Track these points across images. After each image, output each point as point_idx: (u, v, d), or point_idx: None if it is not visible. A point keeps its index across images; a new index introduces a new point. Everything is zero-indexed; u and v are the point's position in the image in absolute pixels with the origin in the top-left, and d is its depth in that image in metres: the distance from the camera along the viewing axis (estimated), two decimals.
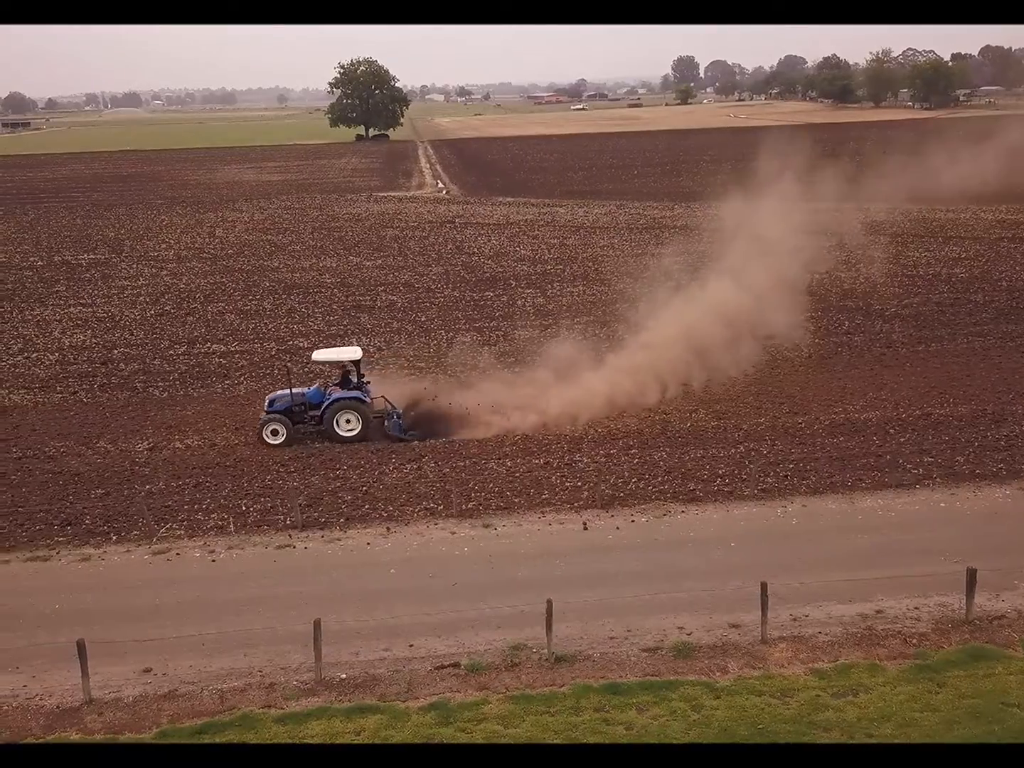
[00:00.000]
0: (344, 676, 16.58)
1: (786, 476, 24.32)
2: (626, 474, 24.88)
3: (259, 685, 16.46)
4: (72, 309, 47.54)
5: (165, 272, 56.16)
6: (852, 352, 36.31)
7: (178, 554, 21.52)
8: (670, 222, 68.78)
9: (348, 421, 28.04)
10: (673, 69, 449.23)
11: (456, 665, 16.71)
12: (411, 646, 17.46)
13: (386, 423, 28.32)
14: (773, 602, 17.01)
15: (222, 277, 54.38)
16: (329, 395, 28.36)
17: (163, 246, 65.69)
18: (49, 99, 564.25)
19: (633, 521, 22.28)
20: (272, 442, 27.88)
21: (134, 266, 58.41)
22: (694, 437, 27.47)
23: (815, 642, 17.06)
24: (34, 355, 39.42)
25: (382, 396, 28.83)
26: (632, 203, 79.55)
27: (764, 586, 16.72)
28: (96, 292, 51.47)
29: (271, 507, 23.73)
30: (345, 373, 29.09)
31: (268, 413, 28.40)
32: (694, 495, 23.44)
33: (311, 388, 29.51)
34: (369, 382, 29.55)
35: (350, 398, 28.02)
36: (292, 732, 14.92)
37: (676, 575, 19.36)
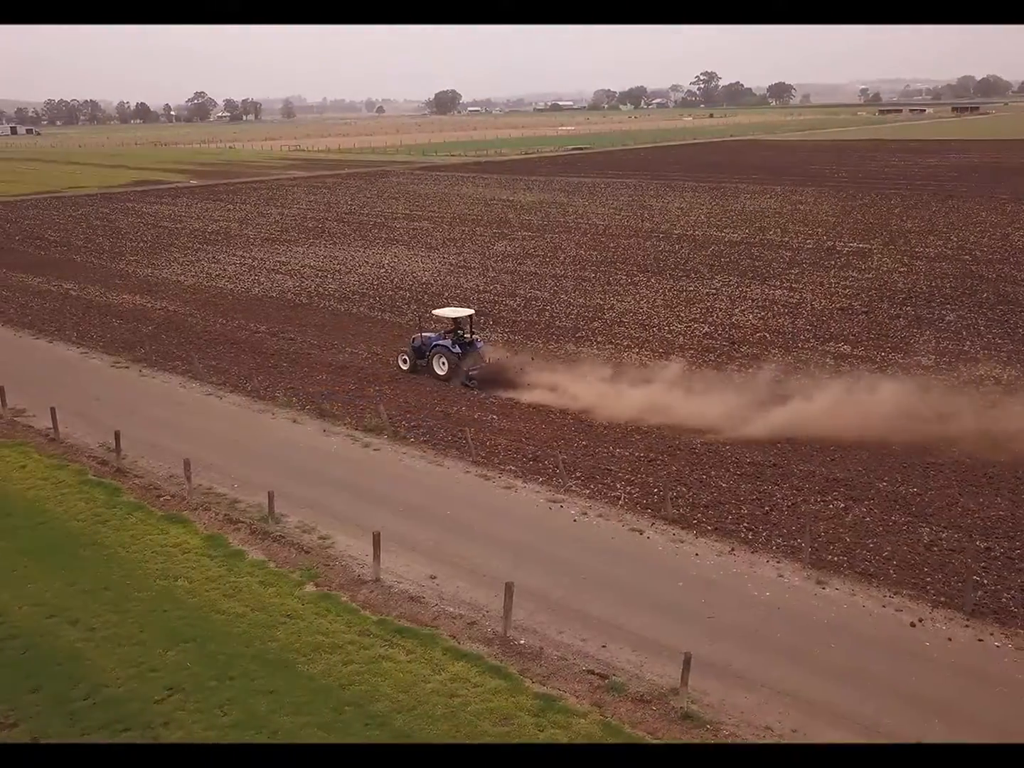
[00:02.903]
0: None
1: None
2: None
3: None
4: (771, 291, 46.04)
5: (902, 270, 50.81)
6: None
7: None
8: None
9: (442, 364, 32.43)
10: None
11: None
12: None
13: (460, 371, 31.73)
14: None
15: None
16: (435, 342, 32.94)
17: (939, 242, 59.42)
18: None
19: None
20: (402, 367, 33.70)
21: (883, 260, 53.57)
22: None
23: None
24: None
25: (480, 352, 32.58)
26: None
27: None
28: (799, 276, 49.35)
29: None
30: (456, 327, 33.07)
31: (405, 348, 34.32)
32: None
33: (435, 335, 33.53)
34: (477, 338, 33.57)
35: (443, 346, 32.46)
36: None
37: None
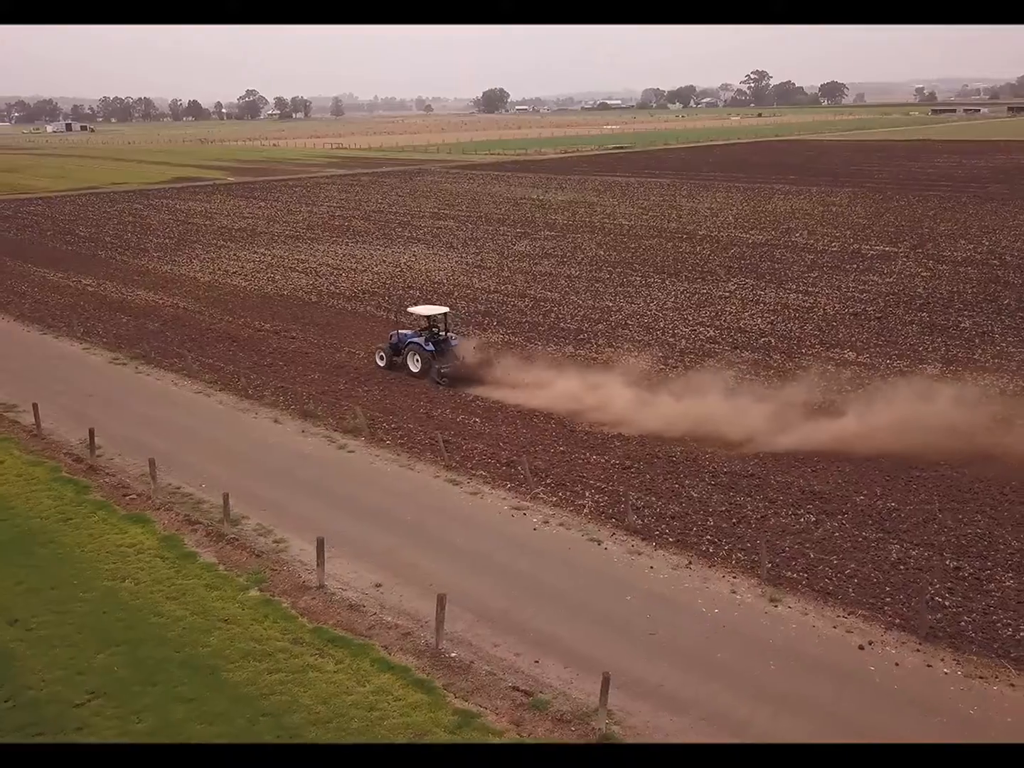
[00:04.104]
0: None
1: None
2: None
3: None
4: (785, 294, 44.82)
5: (924, 274, 49.26)
6: None
7: None
8: None
9: (416, 361, 32.68)
10: None
11: None
12: None
13: (432, 368, 31.83)
14: None
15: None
16: (410, 340, 33.22)
17: (970, 246, 57.62)
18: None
19: None
20: (379, 364, 33.92)
21: (907, 264, 52.05)
22: None
23: None
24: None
25: (454, 350, 32.52)
26: None
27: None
28: (817, 280, 48.10)
29: None
30: (430, 325, 33.44)
31: (381, 345, 34.59)
32: None
33: (411, 332, 33.67)
34: (452, 335, 33.72)
35: (417, 343, 32.74)
36: None
37: None
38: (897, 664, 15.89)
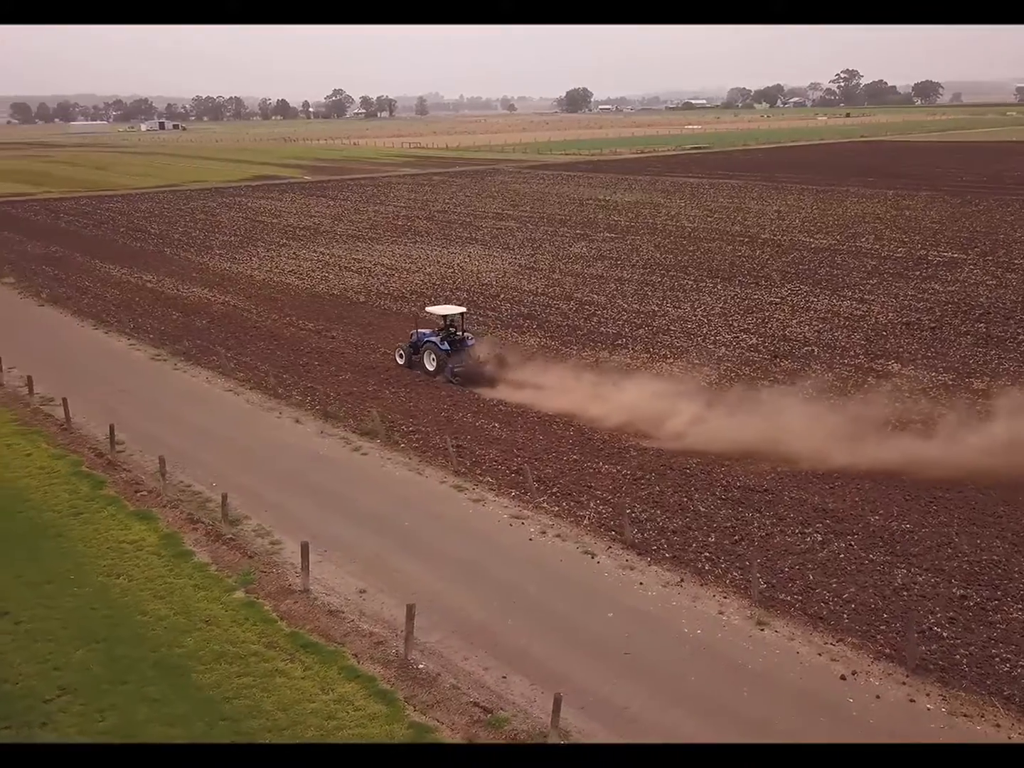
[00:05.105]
0: None
1: None
2: None
3: None
4: (839, 302, 43.52)
5: (990, 282, 47.41)
6: None
7: None
8: None
9: (432, 360, 32.95)
10: None
11: None
12: None
13: (447, 367, 32.05)
14: None
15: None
16: (427, 339, 33.56)
17: None
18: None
19: None
20: (399, 362, 34.40)
21: (973, 271, 50.20)
22: None
23: None
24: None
25: (469, 350, 32.54)
26: None
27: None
28: (874, 287, 46.49)
29: None
30: (447, 325, 33.52)
31: (402, 343, 35.02)
32: None
33: (429, 331, 33.78)
34: (468, 335, 33.75)
35: (433, 343, 33.11)
36: None
37: None
38: (878, 697, 15.15)
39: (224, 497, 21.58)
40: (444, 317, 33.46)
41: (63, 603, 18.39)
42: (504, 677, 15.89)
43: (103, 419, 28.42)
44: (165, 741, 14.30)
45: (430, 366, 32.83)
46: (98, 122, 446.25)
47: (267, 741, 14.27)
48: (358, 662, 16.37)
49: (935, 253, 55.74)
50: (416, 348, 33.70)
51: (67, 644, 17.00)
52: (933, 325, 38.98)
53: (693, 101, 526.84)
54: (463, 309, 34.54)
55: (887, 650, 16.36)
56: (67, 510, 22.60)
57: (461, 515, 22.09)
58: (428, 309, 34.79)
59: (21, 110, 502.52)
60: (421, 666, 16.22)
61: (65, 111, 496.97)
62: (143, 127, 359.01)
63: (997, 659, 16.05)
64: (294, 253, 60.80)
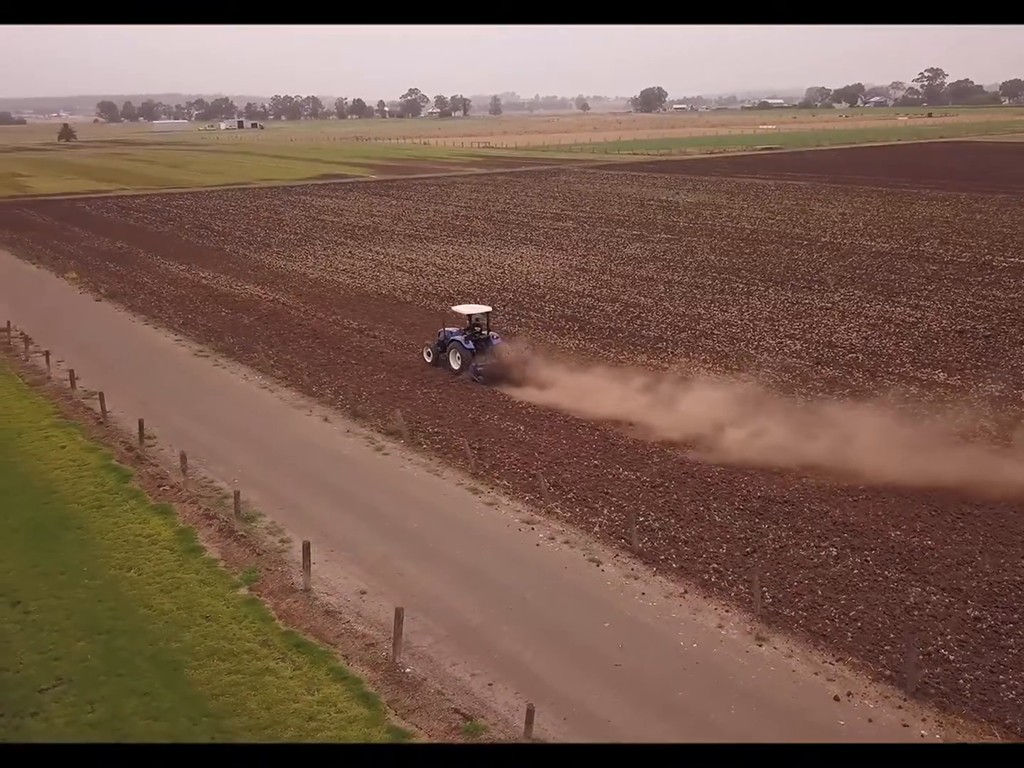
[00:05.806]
0: None
1: None
2: None
3: None
4: (892, 307, 42.23)
5: None
6: None
7: None
8: None
9: (457, 358, 33.33)
10: None
11: None
12: None
13: (471, 366, 32.33)
14: None
15: None
16: (452, 337, 33.87)
17: None
18: None
19: None
20: (427, 360, 34.84)
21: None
22: None
23: None
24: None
25: (494, 349, 32.76)
26: None
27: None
28: (932, 294, 45.18)
29: None
30: (472, 324, 33.82)
31: (430, 341, 35.56)
32: None
33: (456, 330, 33.99)
34: (493, 334, 34.00)
35: (458, 341, 33.43)
36: None
37: None
38: (871, 720, 14.63)
39: (237, 494, 21.86)
40: (469, 316, 33.65)
41: (74, 594, 18.78)
42: (490, 684, 15.76)
43: (139, 414, 28.93)
44: (148, 735, 14.53)
45: (455, 364, 33.13)
46: (180, 121, 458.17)
47: (246, 740, 14.38)
48: (347, 664, 16.39)
49: (1001, 258, 53.92)
50: (443, 346, 33.96)
51: (70, 635, 17.36)
52: (988, 333, 37.69)
53: (770, 100, 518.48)
54: (488, 308, 34.69)
55: (887, 671, 15.80)
56: (91, 502, 23.11)
57: (471, 518, 22.00)
58: (454, 308, 35.01)
59: (108, 109, 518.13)
60: (408, 670, 16.17)
61: (149, 110, 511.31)
62: (222, 126, 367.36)
63: (1003, 685, 15.39)
64: (349, 252, 61.41)
